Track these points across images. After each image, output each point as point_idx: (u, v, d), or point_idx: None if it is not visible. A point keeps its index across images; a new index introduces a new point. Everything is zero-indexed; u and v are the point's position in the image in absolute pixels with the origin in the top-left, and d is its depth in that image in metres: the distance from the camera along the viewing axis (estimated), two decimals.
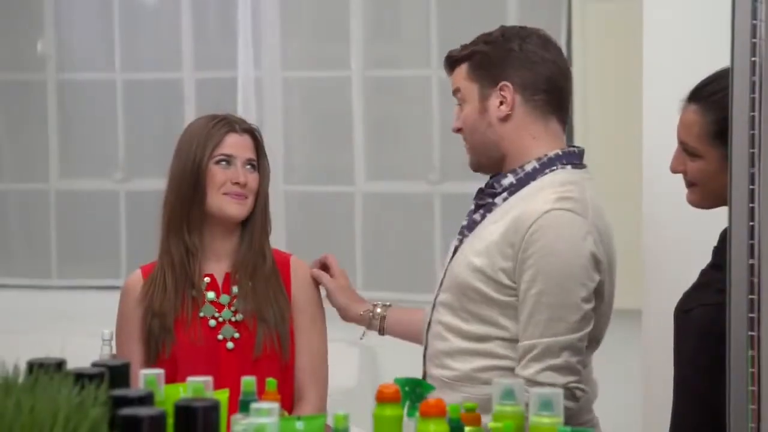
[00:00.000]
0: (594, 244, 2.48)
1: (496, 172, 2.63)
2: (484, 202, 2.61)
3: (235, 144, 2.83)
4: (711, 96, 2.55)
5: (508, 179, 2.59)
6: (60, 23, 5.13)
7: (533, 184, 2.56)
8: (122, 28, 5.04)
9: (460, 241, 2.62)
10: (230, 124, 2.85)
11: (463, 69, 2.62)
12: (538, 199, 2.51)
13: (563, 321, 2.44)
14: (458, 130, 2.65)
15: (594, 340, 2.57)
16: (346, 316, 2.91)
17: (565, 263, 2.45)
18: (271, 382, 2.18)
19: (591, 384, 2.61)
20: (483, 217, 2.60)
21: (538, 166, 2.57)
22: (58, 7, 5.12)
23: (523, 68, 2.58)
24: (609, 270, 2.55)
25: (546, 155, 2.58)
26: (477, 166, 2.66)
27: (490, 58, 2.59)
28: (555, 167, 2.57)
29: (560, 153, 2.59)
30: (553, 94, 2.60)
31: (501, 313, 2.49)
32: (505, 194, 2.58)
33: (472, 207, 2.66)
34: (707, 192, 2.59)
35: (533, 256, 2.45)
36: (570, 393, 2.43)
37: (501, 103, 2.58)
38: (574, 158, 2.60)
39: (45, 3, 5.11)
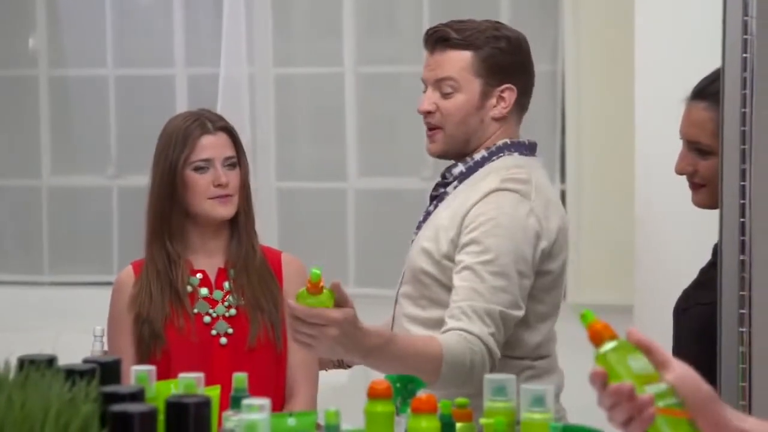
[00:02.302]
0: (537, 223, 2.51)
1: (455, 159, 2.66)
2: (437, 193, 2.66)
3: (211, 145, 2.82)
4: (720, 92, 2.54)
5: (458, 168, 2.64)
6: (52, 19, 5.12)
7: (480, 171, 2.60)
8: (114, 24, 5.04)
9: (416, 234, 2.65)
10: (203, 125, 2.83)
11: (463, 58, 2.61)
12: (484, 182, 2.55)
13: (504, 291, 2.44)
14: (429, 113, 2.63)
15: (547, 320, 2.58)
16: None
17: (511, 237, 2.47)
18: (315, 273, 2.15)
19: (557, 374, 2.61)
20: (435, 207, 2.63)
21: (486, 155, 2.62)
22: (50, 3, 5.11)
23: (524, 72, 2.64)
24: (558, 250, 2.56)
25: (494, 144, 2.62)
26: (442, 154, 2.67)
27: (498, 57, 2.60)
28: (502, 154, 2.62)
29: (508, 142, 2.63)
30: (529, 97, 2.67)
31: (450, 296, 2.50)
32: (455, 183, 2.63)
33: (428, 201, 2.69)
34: (716, 191, 2.57)
35: (477, 229, 2.48)
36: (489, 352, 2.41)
37: (497, 102, 2.60)
38: (522, 148, 2.64)
39: None
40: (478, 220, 2.49)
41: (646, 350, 1.54)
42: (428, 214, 2.66)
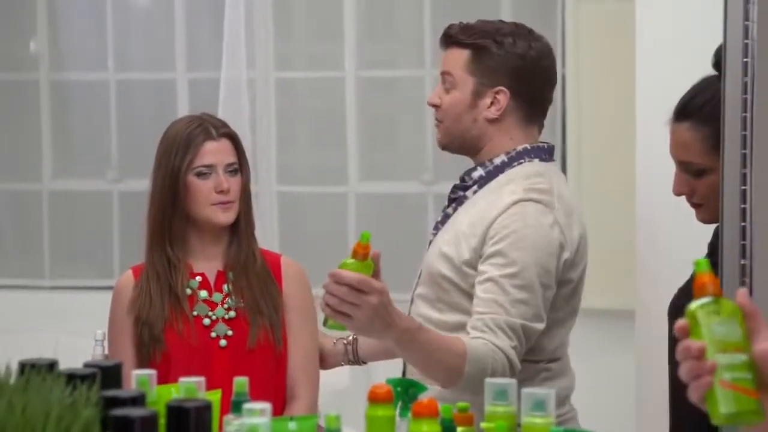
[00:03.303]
0: (561, 234, 2.51)
1: (462, 155, 2.68)
2: (456, 195, 2.66)
3: (214, 151, 2.82)
4: (701, 109, 2.51)
5: (478, 172, 2.63)
6: (53, 23, 5.13)
7: (501, 177, 2.60)
8: (115, 28, 5.04)
9: (434, 236, 2.66)
10: (207, 131, 2.83)
11: (462, 56, 2.62)
12: (505, 191, 2.55)
13: (527, 304, 2.45)
14: (435, 106, 2.67)
15: (563, 326, 2.59)
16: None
17: (535, 249, 2.47)
18: (365, 235, 2.19)
19: (569, 376, 2.62)
20: (455, 210, 2.64)
21: (506, 160, 2.61)
22: (51, 7, 5.11)
23: (523, 78, 2.61)
24: (578, 259, 2.56)
25: (514, 149, 2.62)
26: (445, 147, 2.70)
27: (494, 58, 2.59)
28: (523, 160, 2.61)
29: (528, 147, 2.62)
30: (539, 106, 2.66)
31: (470, 302, 2.50)
32: (475, 187, 2.63)
33: (446, 203, 2.69)
34: (717, 207, 2.53)
35: (503, 241, 2.47)
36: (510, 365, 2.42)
37: (491, 104, 2.60)
38: (542, 153, 2.64)
39: (38, 3, 5.11)
40: (503, 232, 2.48)
41: (748, 315, 1.48)
42: (446, 216, 2.66)
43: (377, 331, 2.25)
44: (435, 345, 2.33)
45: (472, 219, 2.55)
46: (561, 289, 2.54)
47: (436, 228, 2.68)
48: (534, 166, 2.60)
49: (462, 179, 2.66)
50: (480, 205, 2.56)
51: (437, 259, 2.58)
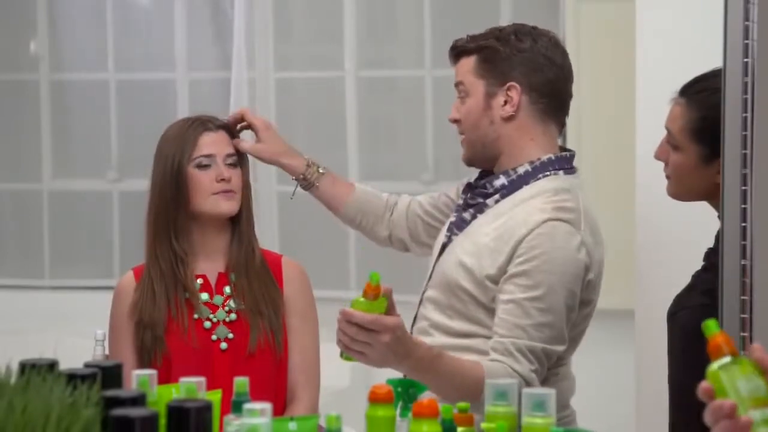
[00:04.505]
0: (587, 255, 2.50)
1: (487, 168, 2.64)
2: (475, 201, 2.62)
3: (212, 142, 2.84)
4: (697, 93, 2.59)
5: (500, 180, 2.60)
6: (53, 23, 5.12)
7: (526, 189, 2.56)
8: (115, 28, 5.04)
9: (449, 239, 2.64)
10: (204, 123, 2.85)
11: (469, 62, 2.62)
12: (533, 206, 2.52)
13: (550, 327, 2.46)
14: (455, 121, 2.66)
15: (574, 341, 2.59)
16: (275, 163, 2.99)
17: (562, 272, 2.47)
18: (375, 276, 2.20)
19: (569, 380, 2.62)
20: (473, 216, 2.61)
21: (530, 170, 2.58)
22: (51, 7, 5.11)
23: (532, 71, 2.59)
24: (598, 279, 2.57)
25: (539, 159, 2.59)
26: (470, 161, 2.67)
27: (500, 55, 2.59)
28: (548, 172, 2.58)
29: (553, 158, 2.60)
30: (556, 99, 2.62)
31: (486, 314, 2.51)
32: (497, 196, 2.59)
33: (460, 203, 2.67)
34: (682, 186, 2.63)
35: (530, 262, 2.46)
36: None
37: (505, 102, 2.59)
38: (565, 163, 2.61)
39: (38, 3, 5.11)
40: (531, 252, 2.47)
41: (766, 369, 1.50)
42: (462, 220, 2.63)
43: (392, 364, 2.27)
44: (453, 372, 2.35)
45: (497, 232, 2.52)
46: (582, 310, 2.54)
47: (450, 230, 2.66)
48: (559, 179, 2.57)
49: (483, 186, 2.62)
50: (504, 218, 2.54)
51: (456, 267, 2.56)
